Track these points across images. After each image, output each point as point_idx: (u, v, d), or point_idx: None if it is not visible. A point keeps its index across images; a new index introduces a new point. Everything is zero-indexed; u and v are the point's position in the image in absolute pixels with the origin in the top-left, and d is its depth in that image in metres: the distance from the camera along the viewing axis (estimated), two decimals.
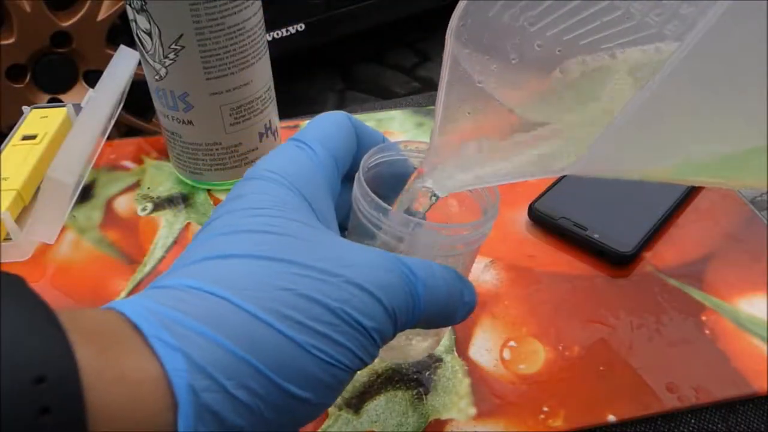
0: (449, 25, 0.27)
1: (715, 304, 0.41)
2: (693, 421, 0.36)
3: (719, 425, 0.36)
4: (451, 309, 0.28)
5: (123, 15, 1.16)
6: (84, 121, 0.53)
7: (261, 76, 0.48)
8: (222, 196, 0.51)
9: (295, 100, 1.82)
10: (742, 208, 0.48)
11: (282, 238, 0.24)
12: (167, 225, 0.49)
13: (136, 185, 0.53)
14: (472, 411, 0.36)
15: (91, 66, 1.15)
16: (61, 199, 0.47)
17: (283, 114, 0.55)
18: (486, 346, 0.39)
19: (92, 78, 1.15)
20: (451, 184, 0.28)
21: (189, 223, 0.49)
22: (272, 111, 0.51)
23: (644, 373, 0.37)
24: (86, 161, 0.51)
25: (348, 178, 0.31)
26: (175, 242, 0.47)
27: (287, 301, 0.22)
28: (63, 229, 0.49)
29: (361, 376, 0.37)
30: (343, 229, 0.32)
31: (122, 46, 0.59)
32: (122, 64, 0.58)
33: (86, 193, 0.52)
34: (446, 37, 0.27)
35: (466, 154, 0.28)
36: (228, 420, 0.20)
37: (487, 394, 0.36)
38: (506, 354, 0.38)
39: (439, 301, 0.27)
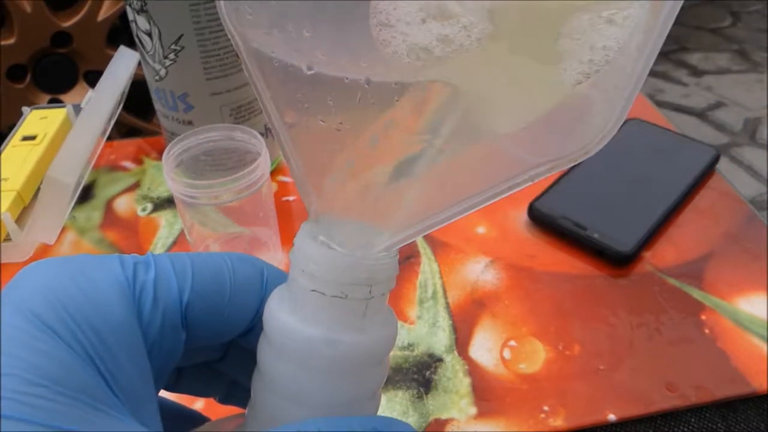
0: (221, 9, 0.17)
1: (714, 304, 0.41)
2: (693, 420, 0.36)
3: (719, 424, 0.36)
4: None
5: (123, 15, 1.16)
6: (84, 122, 0.53)
7: None
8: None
9: None
10: (741, 207, 0.48)
11: None
12: (167, 225, 0.49)
13: (136, 185, 0.53)
14: (473, 410, 0.36)
15: (91, 66, 1.15)
16: (61, 200, 0.47)
17: None
18: (486, 345, 0.39)
19: (92, 78, 1.15)
20: (367, 240, 0.18)
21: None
22: None
23: (644, 373, 0.37)
24: (86, 161, 0.51)
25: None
26: (175, 242, 0.47)
27: None
28: (63, 230, 0.49)
29: None
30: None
31: (122, 47, 0.60)
32: (122, 65, 0.59)
33: (86, 194, 0.52)
34: (225, 22, 0.17)
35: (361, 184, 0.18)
36: None
37: (488, 393, 0.36)
38: (506, 353, 0.39)
39: None
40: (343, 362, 0.18)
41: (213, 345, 0.21)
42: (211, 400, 0.23)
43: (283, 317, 0.18)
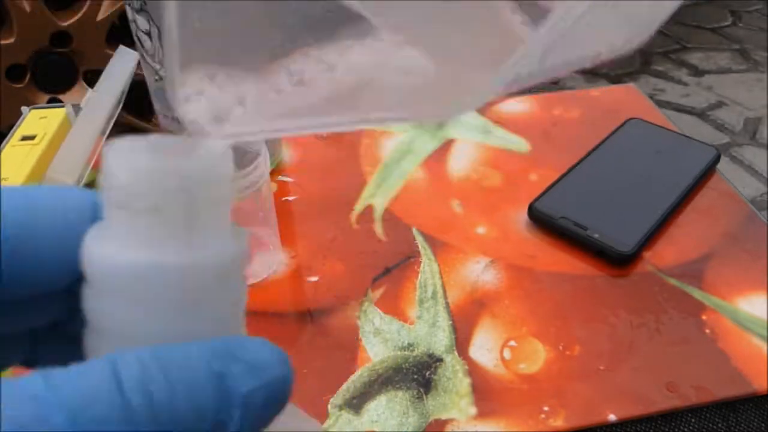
0: None
1: (715, 304, 0.41)
2: (693, 420, 0.36)
3: (719, 424, 0.36)
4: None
5: (123, 15, 1.16)
6: (84, 122, 0.53)
7: None
8: None
9: None
10: (742, 207, 0.48)
11: None
12: None
13: None
14: (473, 410, 0.36)
15: (91, 66, 1.15)
16: None
17: None
18: (486, 345, 0.39)
19: (92, 78, 1.15)
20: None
21: None
22: None
23: (644, 373, 0.37)
24: (86, 161, 0.51)
25: None
26: None
27: None
28: None
29: (362, 376, 0.37)
30: None
31: (122, 46, 0.59)
32: (122, 64, 0.58)
33: None
34: None
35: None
36: None
37: (488, 393, 0.36)
38: (506, 353, 0.39)
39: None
40: (171, 286, 0.15)
41: (41, 298, 0.17)
42: None
43: (96, 247, 0.15)
